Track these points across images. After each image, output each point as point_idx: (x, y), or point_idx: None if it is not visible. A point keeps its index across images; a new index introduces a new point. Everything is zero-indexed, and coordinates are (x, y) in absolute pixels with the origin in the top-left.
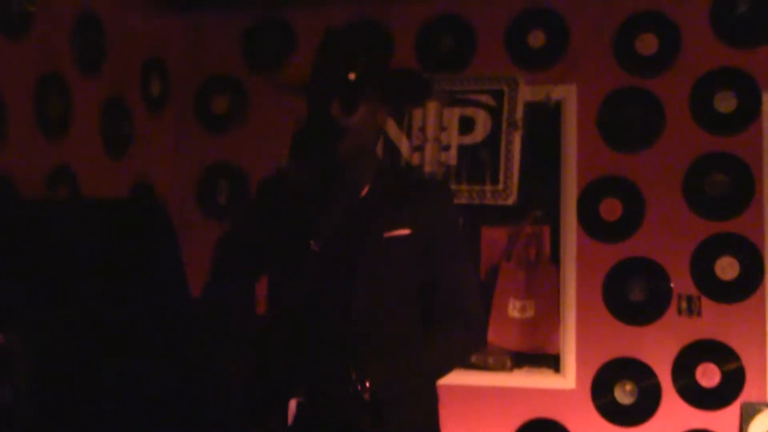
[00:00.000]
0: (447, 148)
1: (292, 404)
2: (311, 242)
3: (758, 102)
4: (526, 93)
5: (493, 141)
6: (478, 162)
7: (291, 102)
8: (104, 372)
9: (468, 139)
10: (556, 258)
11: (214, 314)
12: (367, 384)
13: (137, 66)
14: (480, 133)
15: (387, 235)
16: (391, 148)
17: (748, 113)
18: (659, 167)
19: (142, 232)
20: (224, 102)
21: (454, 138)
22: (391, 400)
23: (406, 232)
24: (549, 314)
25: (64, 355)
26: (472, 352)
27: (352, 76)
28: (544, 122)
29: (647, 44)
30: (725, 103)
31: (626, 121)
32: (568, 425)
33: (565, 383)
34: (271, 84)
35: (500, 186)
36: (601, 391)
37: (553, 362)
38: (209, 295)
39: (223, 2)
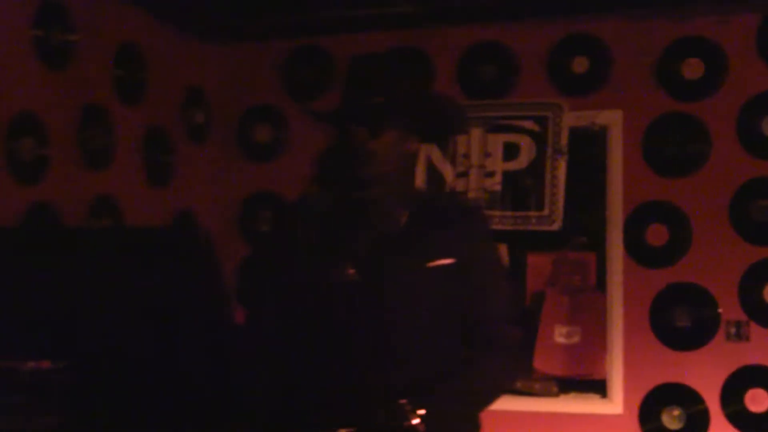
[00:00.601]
0: (491, 174)
1: None
2: (343, 271)
3: None
4: (571, 119)
5: (537, 167)
6: (523, 188)
7: (328, 130)
8: (150, 401)
9: (512, 165)
10: (601, 284)
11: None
12: (420, 414)
13: (179, 96)
14: (524, 159)
15: (430, 265)
16: (436, 175)
17: None
18: (705, 192)
19: (185, 261)
20: (265, 131)
21: (498, 164)
22: (442, 430)
23: (449, 261)
24: (595, 339)
25: (109, 383)
26: (515, 381)
27: (375, 100)
28: (589, 148)
29: (693, 69)
30: None
31: (672, 146)
32: None
33: (612, 409)
34: (304, 113)
35: (545, 212)
36: (648, 416)
37: (600, 388)
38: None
39: (262, 32)
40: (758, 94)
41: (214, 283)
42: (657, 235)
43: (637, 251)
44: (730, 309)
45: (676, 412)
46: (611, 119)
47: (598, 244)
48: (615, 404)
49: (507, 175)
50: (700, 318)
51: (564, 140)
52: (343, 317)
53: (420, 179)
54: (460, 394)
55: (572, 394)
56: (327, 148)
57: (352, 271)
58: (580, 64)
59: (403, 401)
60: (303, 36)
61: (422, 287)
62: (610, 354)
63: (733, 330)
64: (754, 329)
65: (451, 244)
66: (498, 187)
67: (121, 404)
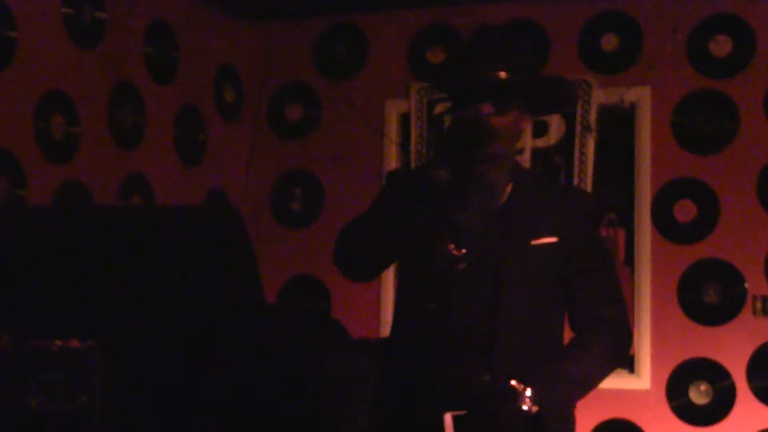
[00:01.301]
0: (521, 151)
1: (448, 418)
2: (454, 245)
3: None
4: (600, 96)
5: (567, 144)
6: (552, 165)
7: (364, 111)
8: (183, 379)
9: (542, 143)
10: (630, 260)
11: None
12: (529, 394)
13: (211, 74)
14: (554, 136)
15: (534, 242)
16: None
17: None
18: (733, 169)
19: (217, 239)
20: (297, 109)
21: (527, 141)
22: (552, 413)
23: (553, 240)
24: None
25: (141, 362)
26: (620, 363)
27: (503, 75)
28: (618, 125)
29: (721, 46)
30: None
31: (700, 123)
32: (643, 426)
33: (640, 384)
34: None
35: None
36: (675, 391)
37: (627, 363)
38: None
39: (293, 10)
40: None
41: (246, 263)
42: (685, 211)
43: (666, 227)
44: (756, 284)
45: (703, 387)
46: (640, 96)
47: (626, 221)
48: (643, 379)
49: (536, 152)
50: (727, 294)
51: (593, 117)
52: (451, 297)
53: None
54: (570, 376)
55: None
56: (452, 122)
57: (462, 250)
58: (610, 42)
59: (514, 383)
60: (335, 13)
61: (527, 265)
62: (638, 329)
63: (759, 305)
64: None
65: (555, 222)
66: (527, 165)
67: (151, 385)
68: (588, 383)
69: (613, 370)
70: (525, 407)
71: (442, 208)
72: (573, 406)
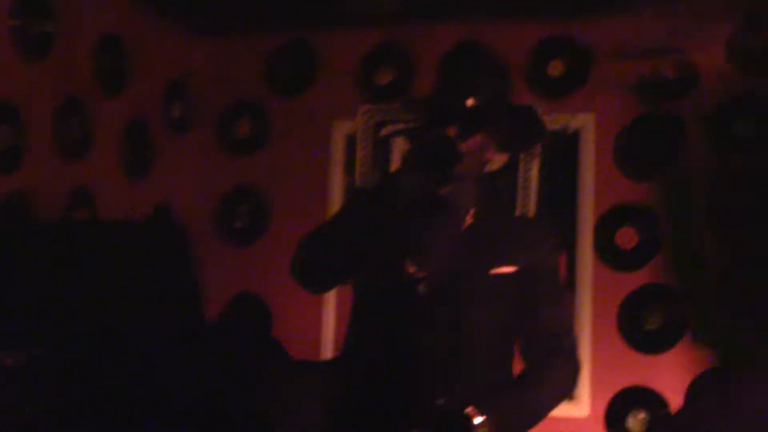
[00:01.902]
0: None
1: None
2: (414, 267)
3: None
4: (545, 122)
5: (510, 169)
6: (496, 189)
7: (314, 128)
8: (117, 394)
9: (486, 167)
10: (571, 285)
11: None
12: (483, 422)
13: (160, 88)
14: (498, 161)
15: (494, 271)
16: None
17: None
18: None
19: (158, 256)
20: (246, 125)
21: None
22: None
23: (512, 269)
24: None
25: (87, 369)
26: (573, 390)
27: (470, 102)
28: (561, 151)
29: (666, 73)
30: (744, 128)
31: (644, 149)
32: None
33: (578, 411)
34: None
35: (517, 213)
36: (614, 419)
37: None
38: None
39: (245, 26)
40: (730, 98)
41: (187, 280)
42: (627, 237)
43: (607, 253)
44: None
45: (641, 416)
46: (584, 122)
47: (568, 246)
48: (581, 407)
49: (480, 177)
50: (667, 321)
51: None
52: (409, 319)
53: None
54: (525, 406)
55: None
56: (417, 143)
57: (422, 273)
58: (555, 68)
59: (470, 409)
60: (287, 30)
61: (486, 292)
62: None
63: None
64: None
65: (515, 250)
66: None
67: (87, 399)
68: (541, 413)
69: (568, 395)
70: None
71: (405, 228)
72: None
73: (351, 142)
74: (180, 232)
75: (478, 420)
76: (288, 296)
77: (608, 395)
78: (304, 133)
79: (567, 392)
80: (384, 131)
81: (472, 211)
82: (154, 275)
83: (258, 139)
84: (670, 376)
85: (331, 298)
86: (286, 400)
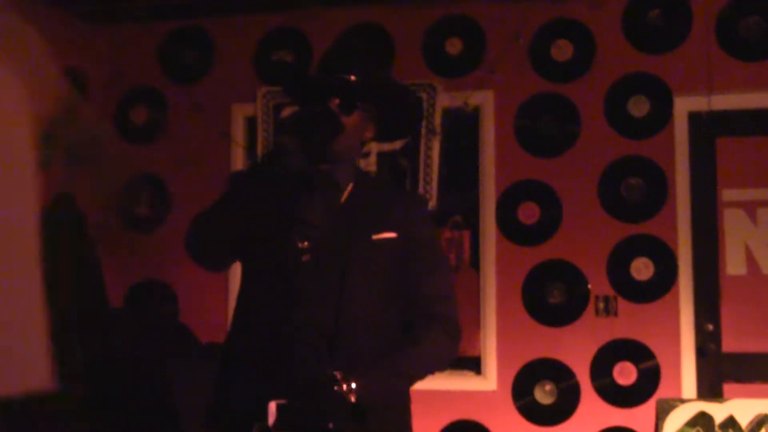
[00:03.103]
0: (366, 155)
1: (272, 406)
2: (298, 239)
3: (670, 106)
4: (445, 99)
5: (412, 147)
6: (398, 168)
7: (210, 116)
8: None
9: (387, 146)
10: (476, 262)
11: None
12: (353, 386)
13: None
14: (399, 140)
15: (375, 237)
16: None
17: (660, 117)
18: (576, 171)
19: (59, 242)
20: (143, 113)
21: (372, 145)
22: (374, 404)
23: (392, 235)
24: (469, 317)
25: None
26: (452, 358)
27: (352, 77)
28: (462, 128)
29: (562, 50)
30: (638, 107)
31: (543, 127)
32: (490, 426)
33: (486, 385)
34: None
35: (420, 191)
36: (521, 392)
37: (474, 364)
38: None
39: (139, 13)
40: (625, 75)
41: (89, 266)
42: (529, 213)
43: (510, 229)
44: (598, 285)
45: (548, 387)
46: (483, 100)
47: (472, 223)
48: (489, 380)
49: (382, 156)
50: (570, 294)
51: (438, 120)
52: (296, 289)
53: None
54: (397, 369)
55: (447, 372)
56: (297, 114)
57: (306, 243)
58: (454, 45)
59: (337, 374)
60: (182, 18)
61: (369, 259)
62: (484, 331)
63: (602, 305)
64: (622, 304)
65: (394, 219)
66: (373, 168)
67: None
68: (415, 375)
69: (442, 362)
70: (345, 395)
71: (287, 202)
72: (406, 397)
73: (251, 124)
74: (79, 219)
75: (348, 383)
76: (193, 281)
77: (515, 368)
78: (203, 119)
79: (444, 356)
80: (284, 112)
81: (351, 185)
82: (53, 262)
83: (157, 127)
84: (575, 348)
85: (236, 282)
86: (191, 383)
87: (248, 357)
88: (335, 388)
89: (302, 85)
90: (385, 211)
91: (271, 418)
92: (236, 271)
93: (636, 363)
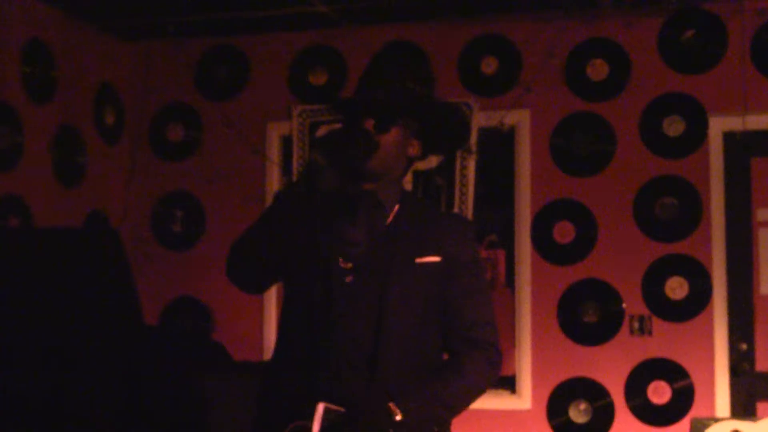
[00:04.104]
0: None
1: (320, 407)
2: (342, 260)
3: (705, 126)
4: (481, 119)
5: (447, 166)
6: (433, 187)
7: (244, 133)
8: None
9: (423, 165)
10: (510, 281)
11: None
12: (399, 404)
13: (90, 94)
14: (435, 158)
15: (418, 260)
16: None
17: (695, 137)
18: (611, 191)
19: (94, 261)
20: (178, 130)
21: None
22: (417, 426)
23: (436, 259)
24: (504, 336)
25: (15, 381)
26: (491, 384)
27: (386, 95)
28: (498, 147)
29: (598, 70)
30: (673, 127)
31: (578, 146)
32: None
33: (521, 404)
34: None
35: (455, 210)
36: (556, 411)
37: (509, 383)
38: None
39: (174, 30)
40: (660, 95)
41: (123, 284)
42: (564, 232)
43: (545, 248)
44: (633, 304)
45: (583, 406)
46: (519, 119)
47: (507, 242)
48: (523, 399)
49: (417, 175)
50: (605, 313)
51: (474, 140)
52: (337, 310)
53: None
54: (440, 399)
55: None
56: (331, 133)
57: (349, 264)
58: (489, 65)
59: (391, 404)
60: (217, 35)
61: (411, 282)
62: (519, 350)
63: (636, 324)
64: (656, 323)
65: (438, 242)
66: (409, 186)
67: (24, 404)
68: (458, 407)
69: (484, 391)
70: (395, 418)
71: (331, 223)
72: (448, 424)
73: (287, 143)
74: (113, 238)
75: (398, 417)
76: (229, 299)
77: (550, 387)
78: (237, 136)
79: (486, 386)
80: (319, 132)
81: (397, 206)
82: (89, 281)
83: (191, 144)
84: (610, 367)
85: (272, 299)
86: (226, 401)
87: (291, 371)
88: (384, 403)
89: (337, 107)
90: (430, 234)
91: (317, 424)
92: (271, 288)
93: (670, 382)
